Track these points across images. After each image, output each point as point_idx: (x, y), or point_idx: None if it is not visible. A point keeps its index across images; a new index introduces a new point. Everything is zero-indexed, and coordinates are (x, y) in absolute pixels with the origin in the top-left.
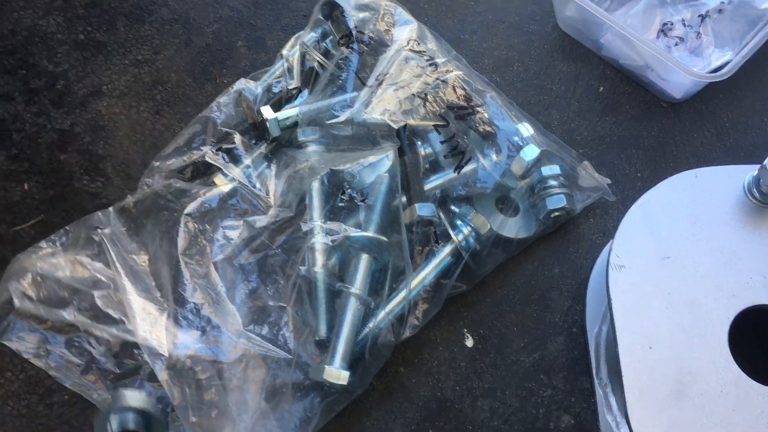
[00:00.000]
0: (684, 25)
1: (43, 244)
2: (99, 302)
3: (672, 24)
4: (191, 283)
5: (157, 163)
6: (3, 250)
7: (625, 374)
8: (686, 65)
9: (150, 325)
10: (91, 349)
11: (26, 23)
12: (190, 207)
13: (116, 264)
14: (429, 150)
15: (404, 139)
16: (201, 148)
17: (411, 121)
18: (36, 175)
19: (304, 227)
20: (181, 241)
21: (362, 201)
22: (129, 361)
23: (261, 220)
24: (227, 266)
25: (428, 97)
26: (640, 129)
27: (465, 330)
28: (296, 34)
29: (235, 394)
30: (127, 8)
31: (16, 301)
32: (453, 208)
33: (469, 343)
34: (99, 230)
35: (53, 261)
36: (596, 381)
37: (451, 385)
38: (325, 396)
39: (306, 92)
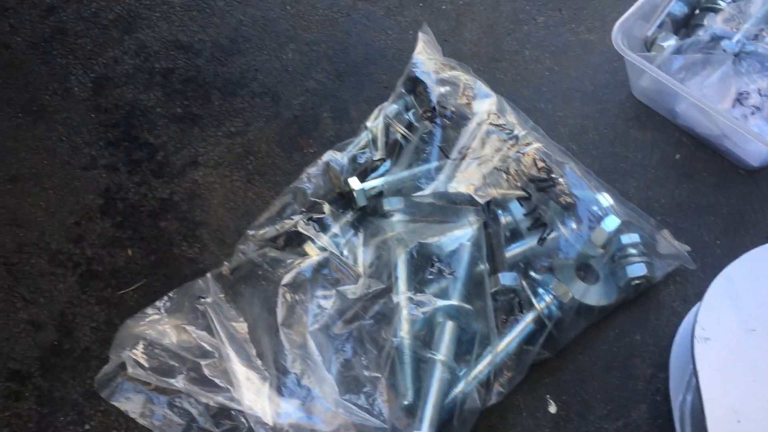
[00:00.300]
0: (760, 94)
1: (149, 310)
2: (206, 371)
3: (748, 93)
4: (291, 353)
5: (251, 232)
6: (109, 313)
7: None
8: (763, 135)
9: (254, 394)
10: (191, 410)
11: (128, 98)
12: (287, 278)
13: (220, 333)
14: (509, 219)
15: (488, 213)
16: (292, 217)
17: (494, 194)
18: (138, 241)
19: (395, 299)
20: (281, 312)
21: (450, 274)
22: (226, 422)
23: (353, 291)
24: (322, 336)
25: (510, 170)
26: (717, 196)
27: (548, 396)
28: (379, 106)
29: None
30: (220, 83)
31: (130, 369)
32: (534, 275)
33: (552, 409)
34: (202, 299)
35: (159, 328)
36: None
37: None
38: None
39: (389, 163)
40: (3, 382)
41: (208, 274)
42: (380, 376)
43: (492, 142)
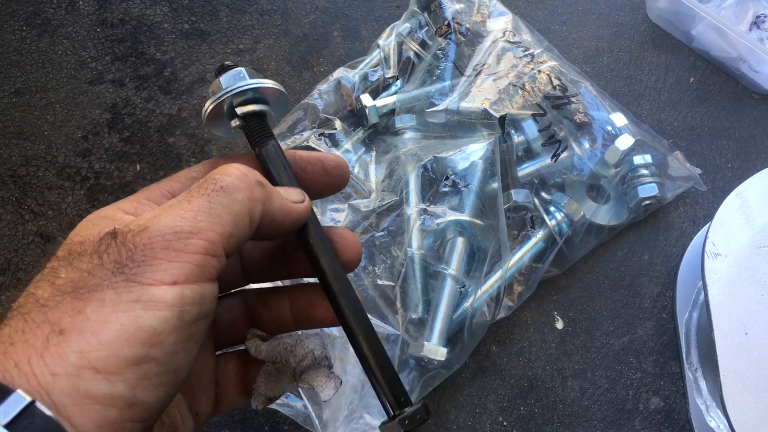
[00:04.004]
0: None
1: None
2: None
3: (765, 16)
4: None
5: None
6: None
7: (721, 359)
8: None
9: None
10: None
11: (134, 13)
12: None
13: None
14: (522, 137)
15: (505, 127)
16: (303, 133)
17: (511, 110)
18: (147, 156)
19: (407, 211)
20: None
21: (465, 186)
22: None
23: (367, 204)
24: None
25: (525, 86)
26: (731, 120)
27: (555, 313)
28: (391, 25)
29: (336, 365)
30: None
31: None
32: (544, 195)
33: (560, 325)
34: None
35: None
36: (686, 365)
37: (542, 365)
38: (423, 372)
39: (401, 81)
40: (12, 292)
41: None
42: (394, 284)
43: (507, 59)
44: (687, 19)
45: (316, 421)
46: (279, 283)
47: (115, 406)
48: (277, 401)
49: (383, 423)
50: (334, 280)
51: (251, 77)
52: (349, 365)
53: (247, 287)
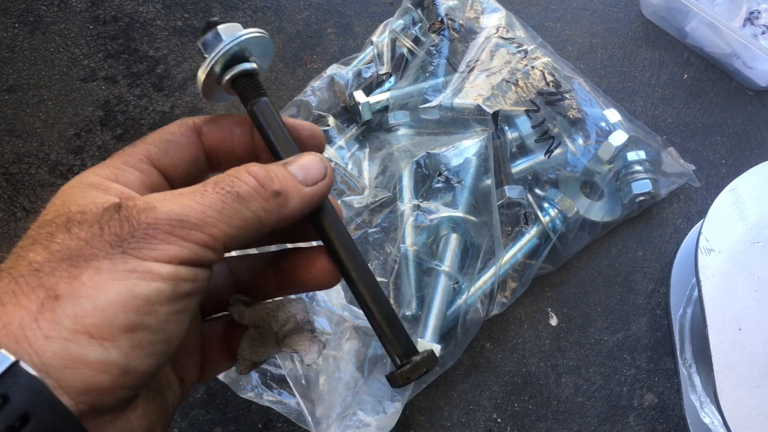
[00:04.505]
0: None
1: None
2: None
3: (759, 12)
4: None
5: None
6: None
7: (715, 355)
8: None
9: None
10: None
11: (127, 9)
12: None
13: None
14: (515, 134)
15: (496, 123)
16: None
17: (504, 106)
18: None
19: (401, 207)
20: None
21: (458, 182)
22: None
23: (360, 200)
24: None
25: (519, 82)
26: (724, 116)
27: (549, 309)
28: (384, 22)
29: (330, 362)
30: None
31: None
32: (537, 191)
33: (554, 322)
34: None
35: None
36: (680, 361)
37: (536, 362)
38: None
39: (393, 78)
40: None
41: None
42: (387, 281)
43: (501, 55)
44: (681, 16)
45: (309, 418)
46: (265, 249)
47: (109, 373)
48: (270, 399)
49: (392, 372)
50: (336, 235)
51: (229, 36)
52: (342, 362)
53: (232, 253)
